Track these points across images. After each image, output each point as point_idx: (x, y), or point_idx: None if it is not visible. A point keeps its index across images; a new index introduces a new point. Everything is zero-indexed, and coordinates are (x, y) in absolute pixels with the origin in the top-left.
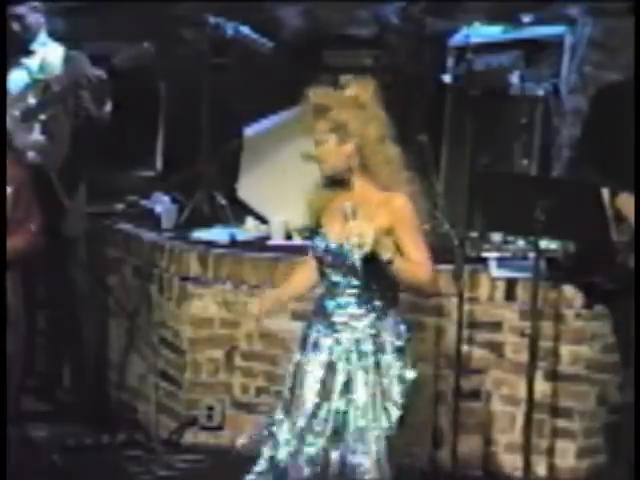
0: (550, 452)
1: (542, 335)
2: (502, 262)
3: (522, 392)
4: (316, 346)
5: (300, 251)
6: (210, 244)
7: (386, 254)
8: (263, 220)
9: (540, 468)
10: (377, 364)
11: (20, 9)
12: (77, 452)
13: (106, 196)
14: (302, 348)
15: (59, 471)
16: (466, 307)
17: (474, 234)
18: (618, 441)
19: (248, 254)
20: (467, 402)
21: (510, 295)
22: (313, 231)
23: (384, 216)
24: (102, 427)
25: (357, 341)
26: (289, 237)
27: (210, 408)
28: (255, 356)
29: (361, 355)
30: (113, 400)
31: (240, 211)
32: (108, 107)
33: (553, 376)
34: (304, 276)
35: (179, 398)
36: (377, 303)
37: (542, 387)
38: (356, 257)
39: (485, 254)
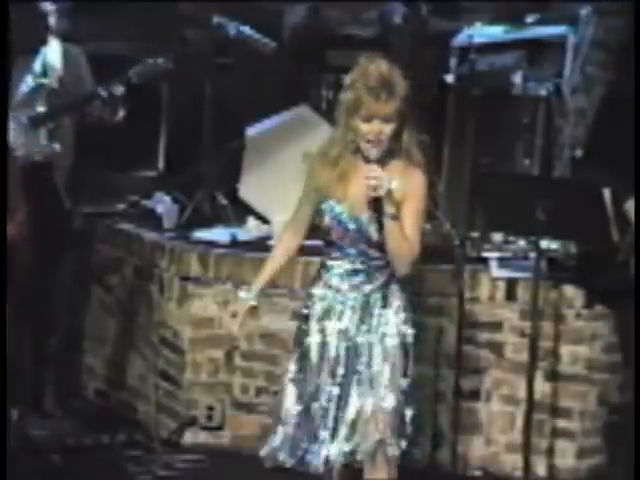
0: (550, 452)
1: (542, 335)
2: (503, 262)
3: (522, 392)
4: (327, 314)
5: (301, 251)
6: (211, 244)
7: (391, 209)
8: (264, 220)
9: (540, 468)
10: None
11: (46, 6)
12: (77, 452)
13: (107, 196)
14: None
15: (59, 471)
16: (466, 307)
17: (475, 234)
18: (618, 441)
19: (249, 254)
20: (467, 402)
21: (510, 295)
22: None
23: (400, 183)
24: (102, 427)
25: (365, 300)
26: None
27: (210, 408)
28: (255, 356)
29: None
30: (113, 400)
31: (241, 211)
32: (121, 114)
33: (553, 376)
34: (278, 256)
35: (179, 398)
36: (385, 271)
37: (542, 387)
38: (365, 216)
39: (486, 254)
